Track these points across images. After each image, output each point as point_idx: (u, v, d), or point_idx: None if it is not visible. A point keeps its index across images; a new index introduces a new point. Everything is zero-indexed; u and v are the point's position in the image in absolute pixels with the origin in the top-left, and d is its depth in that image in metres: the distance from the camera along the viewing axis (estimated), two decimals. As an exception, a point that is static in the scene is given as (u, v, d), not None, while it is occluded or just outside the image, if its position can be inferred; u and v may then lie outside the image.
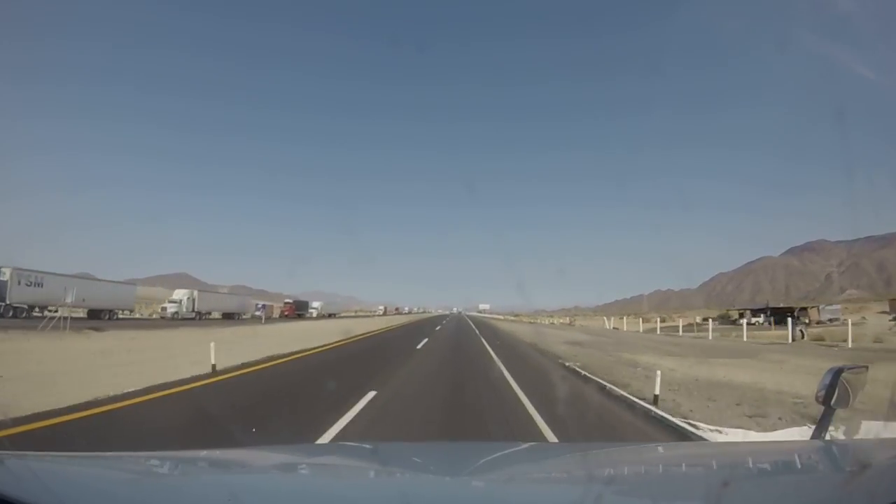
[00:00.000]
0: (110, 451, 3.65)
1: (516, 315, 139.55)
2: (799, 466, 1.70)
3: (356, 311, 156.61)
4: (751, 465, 1.76)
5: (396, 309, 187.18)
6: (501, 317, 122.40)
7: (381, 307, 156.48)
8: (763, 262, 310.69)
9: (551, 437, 5.96)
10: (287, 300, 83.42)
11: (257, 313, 60.93)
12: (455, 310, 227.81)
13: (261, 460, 2.04)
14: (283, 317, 70.01)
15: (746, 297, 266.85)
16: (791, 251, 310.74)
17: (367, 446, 2.57)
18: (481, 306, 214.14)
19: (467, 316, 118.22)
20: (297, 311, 76.64)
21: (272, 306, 74.71)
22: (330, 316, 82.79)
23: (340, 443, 4.83)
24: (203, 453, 2.17)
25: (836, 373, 1.65)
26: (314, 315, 79.62)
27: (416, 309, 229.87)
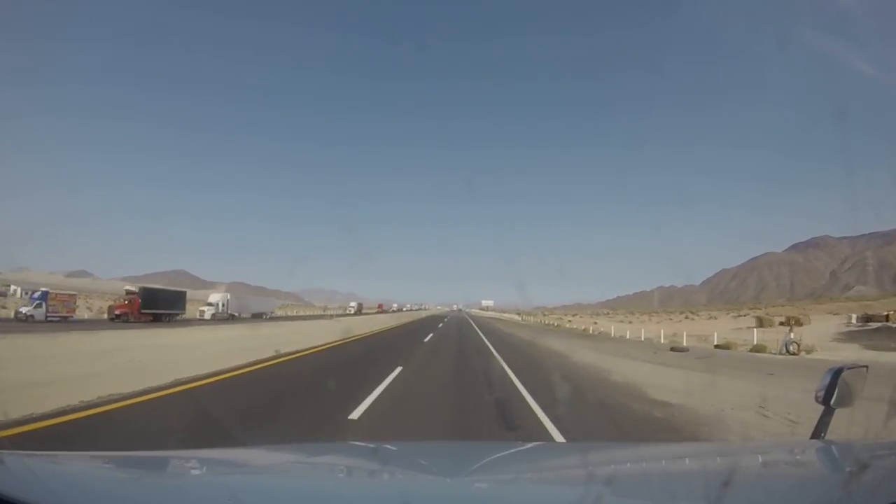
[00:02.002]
0: (110, 450, 3.66)
1: (534, 316, 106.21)
2: (799, 466, 1.70)
3: (324, 308, 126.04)
4: (751, 465, 1.75)
5: (380, 307, 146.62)
6: (519, 317, 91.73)
7: (354, 304, 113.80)
8: (767, 258, 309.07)
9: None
10: (128, 287, 45.30)
11: (23, 310, 34.09)
12: (455, 307, 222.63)
13: (261, 460, 2.04)
14: (114, 319, 37.12)
15: (751, 293, 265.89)
16: (795, 247, 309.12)
17: (368, 446, 2.56)
18: (484, 303, 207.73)
19: (470, 317, 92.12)
20: (151, 309, 40.18)
21: (74, 296, 42.02)
22: (260, 317, 55.19)
23: (340, 443, 4.83)
24: (203, 453, 2.17)
25: (836, 372, 1.63)
26: (206, 317, 47.66)
27: (408, 307, 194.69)
